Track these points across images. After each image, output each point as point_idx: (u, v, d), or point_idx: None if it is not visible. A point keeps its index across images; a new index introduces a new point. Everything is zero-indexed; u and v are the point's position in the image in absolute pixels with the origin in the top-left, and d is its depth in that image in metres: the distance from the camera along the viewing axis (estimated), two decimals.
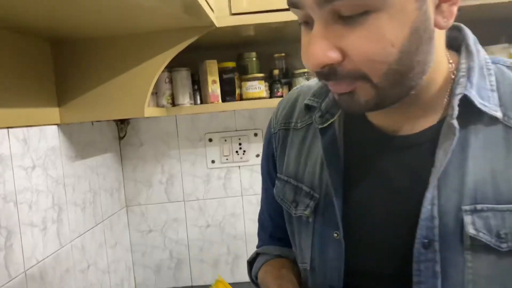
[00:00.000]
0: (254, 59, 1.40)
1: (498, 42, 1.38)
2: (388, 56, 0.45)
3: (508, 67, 0.54)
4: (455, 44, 0.56)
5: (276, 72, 1.39)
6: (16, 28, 0.90)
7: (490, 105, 0.51)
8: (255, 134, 1.55)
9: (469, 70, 0.52)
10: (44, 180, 1.03)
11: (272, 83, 1.38)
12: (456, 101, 0.51)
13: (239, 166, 1.57)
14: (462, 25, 0.57)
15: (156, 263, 1.59)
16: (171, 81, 1.35)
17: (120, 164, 1.55)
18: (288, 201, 0.66)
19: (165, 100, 1.35)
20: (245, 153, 1.55)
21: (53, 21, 0.88)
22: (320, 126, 0.61)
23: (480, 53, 0.54)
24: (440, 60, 0.53)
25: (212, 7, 1.02)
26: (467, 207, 0.50)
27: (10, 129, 0.91)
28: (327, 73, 0.48)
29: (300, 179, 0.64)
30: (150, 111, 1.14)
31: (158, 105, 1.34)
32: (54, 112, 1.08)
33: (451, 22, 0.48)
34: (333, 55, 0.46)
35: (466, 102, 0.51)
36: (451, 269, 0.50)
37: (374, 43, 0.45)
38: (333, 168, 0.59)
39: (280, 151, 0.70)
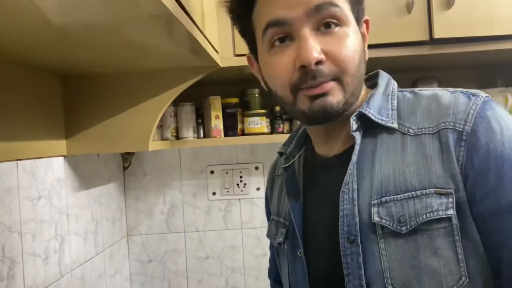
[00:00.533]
0: (257, 95, 1.45)
1: (495, 86, 1.43)
2: (355, 59, 0.61)
3: (410, 92, 0.67)
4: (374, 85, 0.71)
5: (277, 108, 1.44)
6: (28, 65, 0.95)
7: (387, 119, 0.64)
8: (256, 168, 1.58)
9: (371, 96, 0.66)
10: (48, 211, 1.05)
11: (273, 119, 1.42)
12: (352, 117, 0.63)
13: (239, 199, 1.59)
14: (380, 70, 0.72)
15: None
16: (176, 115, 1.40)
17: (123, 194, 1.58)
18: (273, 235, 0.78)
19: (169, 133, 1.39)
20: (246, 186, 1.58)
21: (64, 59, 0.93)
22: (284, 165, 0.74)
23: (389, 87, 0.68)
24: (363, 89, 0.68)
25: (217, 49, 1.07)
26: (375, 201, 0.61)
27: (18, 161, 0.94)
28: (314, 70, 0.59)
29: (280, 214, 0.77)
30: (154, 145, 1.18)
31: (162, 137, 1.38)
32: (61, 144, 1.12)
33: (367, 57, 0.66)
34: (322, 54, 0.59)
35: (363, 118, 0.64)
36: (371, 258, 0.60)
37: (346, 47, 0.60)
38: (292, 196, 0.71)
39: (270, 197, 0.85)
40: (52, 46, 0.79)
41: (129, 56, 0.94)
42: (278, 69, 0.62)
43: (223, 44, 1.15)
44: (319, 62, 0.59)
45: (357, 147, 0.62)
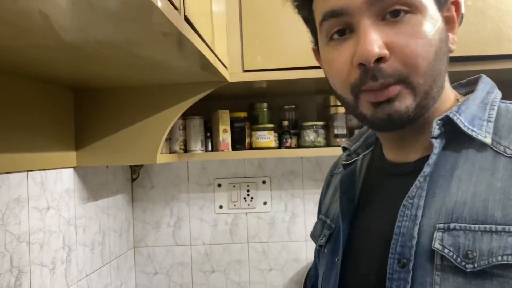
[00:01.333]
0: (265, 109, 1.46)
1: None
2: (427, 53, 0.51)
3: None
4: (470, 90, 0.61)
5: (285, 123, 1.45)
6: (41, 79, 0.98)
7: (479, 131, 0.53)
8: (264, 182, 1.59)
9: (464, 101, 0.56)
10: (56, 221, 1.07)
11: (281, 133, 1.43)
12: (436, 121, 0.53)
13: (246, 213, 1.59)
14: (483, 75, 0.61)
15: None
16: (184, 128, 1.41)
17: (131, 205, 1.59)
18: (316, 236, 0.72)
19: (177, 146, 1.40)
20: (252, 200, 1.58)
21: (76, 74, 0.96)
22: (344, 162, 0.68)
23: (491, 95, 0.57)
24: (447, 88, 0.58)
25: (226, 64, 1.09)
26: (441, 225, 0.51)
27: (29, 172, 0.96)
28: (374, 69, 0.50)
29: (328, 215, 0.70)
30: (162, 158, 1.19)
31: (171, 150, 1.39)
32: (71, 156, 1.13)
33: (454, 48, 0.56)
34: (384, 49, 0.50)
35: (449, 124, 0.54)
36: None
37: (416, 39, 0.50)
38: (346, 197, 0.64)
39: (323, 196, 0.78)
40: (65, 62, 0.81)
41: (140, 71, 0.96)
42: (336, 66, 0.54)
43: (232, 60, 1.16)
44: (380, 59, 0.50)
45: (433, 157, 0.52)
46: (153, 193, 1.60)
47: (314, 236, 0.74)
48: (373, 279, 0.55)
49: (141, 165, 1.60)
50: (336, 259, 0.62)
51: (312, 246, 1.57)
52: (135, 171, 1.60)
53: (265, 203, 1.59)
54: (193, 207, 1.60)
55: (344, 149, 0.70)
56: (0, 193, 0.86)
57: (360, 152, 0.68)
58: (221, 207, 1.59)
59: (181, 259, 1.59)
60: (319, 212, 0.78)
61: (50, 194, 1.04)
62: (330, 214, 0.70)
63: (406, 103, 0.51)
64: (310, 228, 1.58)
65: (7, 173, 0.88)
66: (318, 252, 0.73)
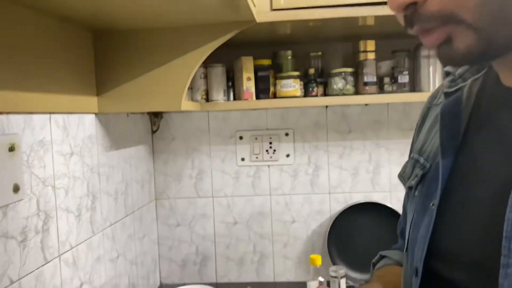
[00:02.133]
0: (289, 57, 1.39)
1: None
2: None
3: None
4: None
5: (312, 71, 1.38)
6: (60, 17, 0.92)
7: None
8: (286, 134, 1.54)
9: None
10: (80, 168, 1.04)
11: (307, 82, 1.37)
12: None
13: (268, 165, 1.56)
14: None
15: (182, 258, 1.60)
16: (206, 77, 1.36)
17: (152, 157, 1.57)
18: (406, 176, 0.63)
19: (199, 96, 1.35)
20: (275, 152, 1.54)
21: (96, 11, 0.90)
22: (446, 90, 0.57)
23: None
24: None
25: (254, 2, 1.02)
26: None
27: (51, 115, 0.93)
28: (410, 16, 0.44)
29: (422, 153, 0.61)
30: (186, 105, 1.15)
31: (192, 100, 1.35)
32: (92, 101, 1.10)
33: None
34: None
35: None
36: None
37: None
38: (447, 130, 0.54)
39: (418, 130, 0.67)
40: None
41: (161, 9, 0.90)
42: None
43: None
44: (411, 5, 0.44)
45: None
46: (174, 145, 1.57)
47: (402, 177, 0.64)
48: (478, 234, 0.46)
49: (161, 117, 1.56)
50: (431, 204, 0.53)
51: (335, 198, 1.55)
52: (155, 122, 1.56)
53: (287, 155, 1.55)
54: (215, 160, 1.57)
55: (447, 74, 0.59)
56: (24, 134, 0.83)
57: (468, 77, 0.56)
58: (243, 159, 1.56)
59: (203, 211, 1.58)
60: (411, 151, 0.68)
61: (73, 139, 1.01)
62: (424, 152, 0.60)
63: (465, 42, 0.43)
64: (333, 181, 1.56)
65: (30, 113, 0.85)
66: (407, 195, 0.64)
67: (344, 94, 1.32)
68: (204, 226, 1.59)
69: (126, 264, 1.31)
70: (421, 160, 0.60)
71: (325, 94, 1.37)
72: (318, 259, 1.24)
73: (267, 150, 1.54)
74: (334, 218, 1.51)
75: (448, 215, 0.51)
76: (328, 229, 1.51)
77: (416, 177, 0.59)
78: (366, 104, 1.49)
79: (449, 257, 0.50)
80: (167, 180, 1.58)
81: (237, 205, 1.58)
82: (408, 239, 0.58)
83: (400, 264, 0.71)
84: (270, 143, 1.54)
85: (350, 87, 1.32)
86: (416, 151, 0.63)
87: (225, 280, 1.59)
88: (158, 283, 1.59)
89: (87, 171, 1.08)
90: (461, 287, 0.48)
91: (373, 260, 0.81)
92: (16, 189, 0.79)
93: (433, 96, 0.65)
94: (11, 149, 0.78)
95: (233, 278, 1.59)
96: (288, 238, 1.57)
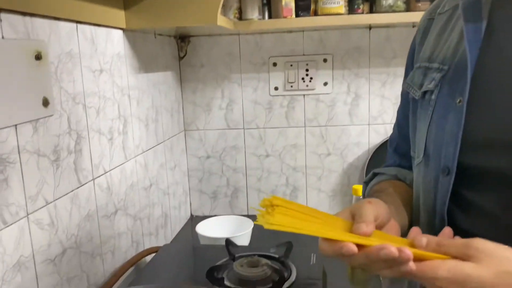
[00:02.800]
0: None
1: None
2: None
3: None
4: None
5: None
6: None
7: None
8: (325, 60, 1.42)
9: None
10: (110, 87, 0.96)
11: None
12: None
13: (304, 95, 1.46)
14: None
15: (212, 190, 1.55)
16: None
17: (179, 86, 1.48)
18: (415, 85, 0.63)
19: (231, 14, 1.23)
20: (312, 80, 1.44)
21: None
22: None
23: None
24: None
25: None
26: None
27: (78, 24, 0.83)
28: None
29: (433, 59, 0.60)
30: (222, 20, 1.03)
31: None
32: (120, 15, 0.99)
33: None
34: None
35: None
36: None
37: None
38: (470, 24, 0.54)
39: (419, 42, 0.66)
40: None
41: None
42: None
43: None
44: None
45: None
46: (202, 72, 1.47)
47: (411, 86, 0.64)
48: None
49: (189, 41, 1.45)
50: (458, 101, 0.53)
51: (375, 129, 1.46)
52: (182, 48, 1.46)
53: (325, 83, 1.44)
54: (246, 89, 1.47)
55: None
56: (50, 42, 0.74)
57: None
58: (276, 88, 1.46)
59: (234, 143, 1.51)
60: (412, 62, 0.68)
61: (102, 55, 0.92)
62: (436, 58, 0.60)
63: None
64: (374, 111, 1.46)
65: (55, 19, 0.75)
66: (414, 105, 0.63)
67: (393, 11, 1.18)
68: (235, 158, 1.52)
69: (159, 194, 1.26)
70: (434, 65, 0.60)
71: (371, 11, 1.23)
72: (360, 190, 1.18)
73: (303, 78, 1.44)
74: (373, 151, 1.43)
75: (480, 107, 0.51)
76: (367, 162, 1.43)
77: (433, 80, 0.58)
78: (413, 26, 1.35)
79: (488, 145, 0.50)
80: (196, 111, 1.50)
81: (269, 137, 1.50)
82: (425, 146, 0.58)
83: (398, 179, 0.71)
84: (307, 70, 1.43)
85: (400, 3, 1.18)
86: (424, 59, 0.63)
87: (256, 212, 1.54)
88: (189, 215, 1.56)
89: (117, 92, 0.99)
90: (502, 172, 0.48)
91: (365, 179, 0.78)
92: (45, 102, 0.72)
93: (435, 7, 0.66)
94: (38, 57, 0.70)
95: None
96: (322, 171, 1.50)
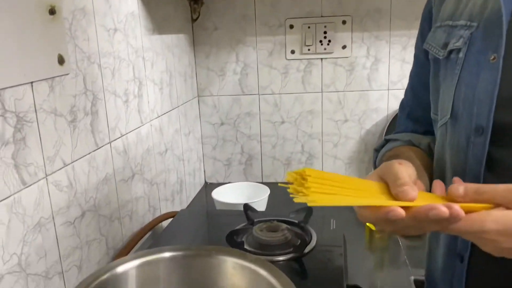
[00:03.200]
0: None
1: None
2: None
3: None
4: None
5: None
6: None
7: None
8: (344, 22, 1.37)
9: None
10: (125, 48, 0.93)
11: None
12: None
13: (321, 59, 1.41)
14: None
15: (226, 157, 1.54)
16: None
17: (192, 50, 1.43)
18: (438, 45, 0.60)
19: None
20: (330, 43, 1.38)
21: None
22: None
23: None
24: None
25: None
26: None
27: None
28: None
29: (457, 17, 0.58)
30: None
31: None
32: None
33: None
34: None
35: None
36: None
37: None
38: None
39: (438, 2, 0.63)
40: None
41: None
42: None
43: None
44: None
45: None
46: (216, 36, 1.42)
47: (432, 44, 0.61)
48: None
49: (202, 3, 1.40)
50: (491, 58, 0.50)
51: (394, 95, 1.42)
52: (195, 10, 1.40)
53: (344, 47, 1.39)
54: (261, 52, 1.43)
55: None
56: None
57: None
58: (293, 52, 1.41)
59: (249, 109, 1.48)
60: (429, 23, 0.65)
61: (115, 13, 0.88)
62: (461, 15, 0.57)
63: None
64: (394, 76, 1.41)
65: None
66: (436, 64, 0.61)
67: None
68: (250, 125, 1.50)
69: (174, 160, 1.24)
70: (460, 22, 0.57)
71: None
72: None
73: (320, 41, 1.39)
74: (391, 117, 1.39)
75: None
76: (386, 129, 1.40)
77: (461, 38, 0.56)
78: None
79: None
80: (210, 75, 1.46)
81: (285, 103, 1.47)
82: (452, 106, 0.56)
83: (413, 144, 0.68)
84: (325, 32, 1.38)
85: None
86: (445, 18, 0.60)
87: (271, 179, 1.53)
88: (203, 182, 1.55)
89: (131, 53, 0.96)
90: None
91: (376, 147, 0.75)
92: (61, 60, 0.69)
93: None
94: (52, 11, 0.67)
95: (279, 178, 1.53)
96: (339, 138, 1.47)
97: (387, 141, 0.73)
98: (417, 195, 0.43)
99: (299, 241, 0.85)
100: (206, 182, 1.56)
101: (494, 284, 0.52)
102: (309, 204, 0.40)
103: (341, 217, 0.98)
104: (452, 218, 0.39)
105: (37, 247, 0.65)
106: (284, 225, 0.91)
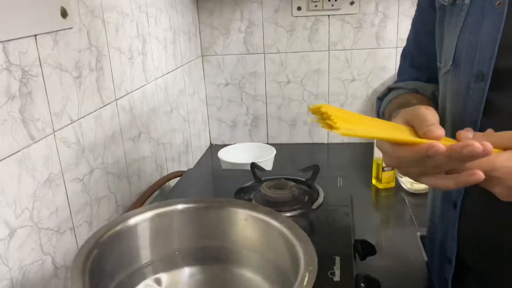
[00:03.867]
0: None
1: None
2: None
3: None
4: None
5: None
6: None
7: None
8: None
9: None
10: (128, 3, 0.90)
11: None
12: None
13: (329, 15, 1.37)
14: None
15: (231, 119, 1.53)
16: None
17: (196, 7, 1.40)
18: None
19: None
20: None
21: None
22: None
23: None
24: None
25: None
26: None
27: None
28: None
29: None
30: None
31: None
32: None
33: None
34: None
35: None
36: None
37: None
38: None
39: None
40: None
41: None
42: None
43: None
44: None
45: None
46: None
47: None
48: None
49: None
50: (497, 3, 0.50)
51: None
52: None
53: (351, 3, 1.35)
54: (267, 9, 1.39)
55: None
56: None
57: None
58: (299, 8, 1.37)
59: (254, 69, 1.46)
60: None
61: None
62: None
63: None
64: (403, 33, 1.37)
65: None
66: (441, 12, 0.60)
67: None
68: (255, 85, 1.48)
69: (180, 120, 1.24)
70: None
71: None
72: None
73: None
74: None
75: None
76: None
77: None
78: None
79: None
80: (214, 34, 1.43)
81: (291, 62, 1.44)
82: (455, 52, 0.55)
83: (418, 92, 0.68)
84: None
85: None
86: None
87: (276, 141, 1.53)
88: (208, 143, 1.55)
89: (135, 8, 0.93)
90: None
91: (379, 96, 0.74)
92: (64, 13, 0.67)
93: None
94: None
95: (284, 139, 1.52)
96: (346, 97, 1.46)
97: (390, 89, 0.72)
98: (444, 134, 0.42)
99: (307, 198, 0.85)
100: (211, 144, 1.56)
101: (483, 227, 0.55)
102: (342, 134, 0.39)
103: (348, 176, 0.98)
104: (484, 154, 0.39)
105: (48, 202, 0.65)
106: (292, 183, 0.91)
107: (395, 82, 0.74)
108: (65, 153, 0.69)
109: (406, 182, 1.12)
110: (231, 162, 1.18)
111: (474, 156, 0.39)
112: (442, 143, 0.41)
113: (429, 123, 0.43)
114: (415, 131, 0.44)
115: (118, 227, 0.47)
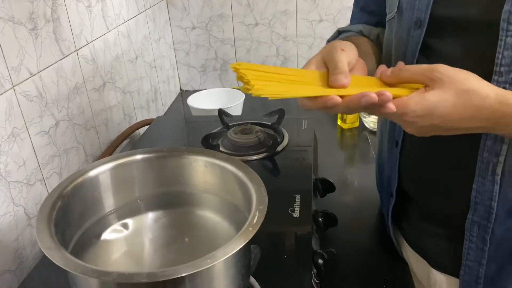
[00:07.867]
0: None
1: None
2: None
3: None
4: None
5: None
6: None
7: None
8: None
9: None
10: None
11: None
12: None
13: None
14: None
15: (200, 64, 1.52)
16: None
17: None
18: None
19: None
20: None
21: None
22: None
23: None
24: None
25: None
26: None
27: None
28: None
29: None
30: None
31: None
32: None
33: None
34: None
35: None
36: None
37: None
38: None
39: None
40: None
41: None
42: None
43: None
44: None
45: None
46: None
47: None
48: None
49: None
50: None
51: None
52: None
53: None
54: None
55: None
56: None
57: None
58: None
59: (221, 11, 1.43)
60: None
61: None
62: None
63: None
64: None
65: None
66: None
67: None
68: (222, 28, 1.46)
69: (146, 67, 1.23)
70: None
71: None
72: None
73: None
74: None
75: None
76: None
77: None
78: None
79: (453, 18, 0.50)
80: None
81: (258, 4, 1.41)
82: (399, 1, 0.57)
83: (363, 35, 0.70)
84: None
85: None
86: None
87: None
88: (179, 89, 1.55)
89: None
90: (469, 20, 0.48)
91: (329, 38, 0.76)
92: None
93: None
94: None
95: None
96: (314, 39, 1.46)
97: (340, 32, 0.74)
98: (349, 83, 0.46)
99: (271, 142, 0.89)
100: (181, 90, 1.56)
101: (420, 163, 0.60)
102: (253, 94, 0.41)
103: (313, 117, 1.02)
104: (382, 102, 0.43)
105: (15, 156, 0.67)
106: (258, 128, 0.94)
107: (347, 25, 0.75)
108: (28, 107, 0.70)
109: (369, 122, 1.17)
110: (201, 108, 1.19)
111: (372, 105, 0.43)
112: (356, 88, 0.44)
113: (338, 71, 0.46)
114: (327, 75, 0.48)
115: (80, 179, 0.49)
